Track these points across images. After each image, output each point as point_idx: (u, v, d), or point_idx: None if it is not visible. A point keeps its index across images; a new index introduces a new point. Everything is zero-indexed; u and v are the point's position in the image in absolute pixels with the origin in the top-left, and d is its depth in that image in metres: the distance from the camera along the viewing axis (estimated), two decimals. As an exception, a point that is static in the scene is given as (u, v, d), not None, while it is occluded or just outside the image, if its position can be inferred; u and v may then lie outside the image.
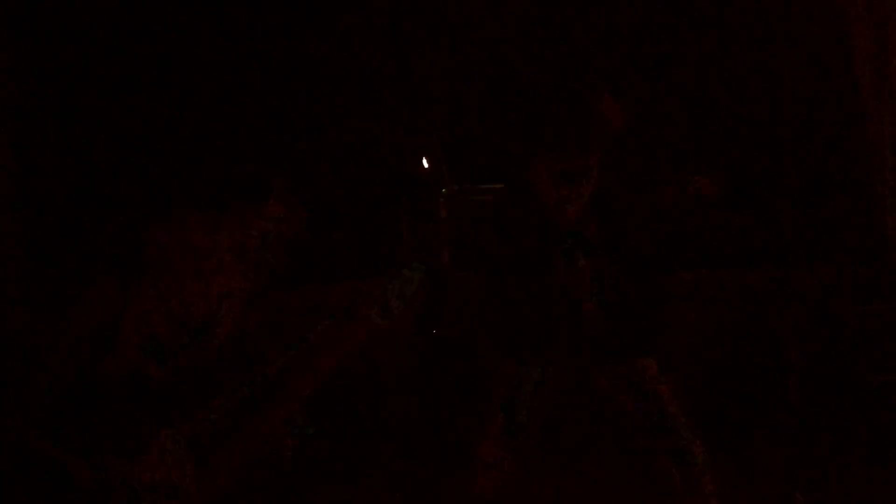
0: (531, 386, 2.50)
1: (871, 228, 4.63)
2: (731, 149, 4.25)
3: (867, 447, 3.57)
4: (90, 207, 3.97)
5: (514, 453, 2.41)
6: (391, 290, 1.92)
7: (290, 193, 1.73)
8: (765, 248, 3.48)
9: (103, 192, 4.04)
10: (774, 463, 2.91)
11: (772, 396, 2.97)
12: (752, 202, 3.65)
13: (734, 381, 3.96)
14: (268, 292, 2.13)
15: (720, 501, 2.50)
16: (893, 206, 4.70)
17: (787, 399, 2.89)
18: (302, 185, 4.22)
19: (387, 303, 1.91)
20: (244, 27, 4.24)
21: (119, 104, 4.17)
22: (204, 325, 1.79)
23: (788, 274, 2.95)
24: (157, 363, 1.81)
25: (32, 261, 3.88)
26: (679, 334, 3.25)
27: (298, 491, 3.44)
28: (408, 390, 4.24)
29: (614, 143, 3.61)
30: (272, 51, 4.28)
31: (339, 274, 4.37)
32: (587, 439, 3.29)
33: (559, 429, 2.76)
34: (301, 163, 4.34)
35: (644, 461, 2.79)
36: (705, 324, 3.63)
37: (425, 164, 4.00)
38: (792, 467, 2.91)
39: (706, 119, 4.39)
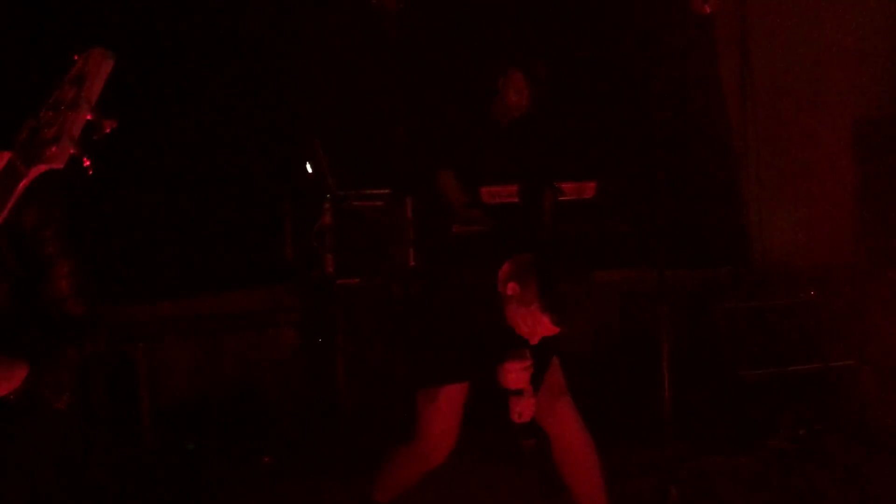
0: None
1: (736, 232, 4.90)
2: (609, 157, 4.41)
3: (736, 439, 3.76)
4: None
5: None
6: None
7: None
8: (639, 250, 3.63)
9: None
10: (649, 457, 3.01)
11: (646, 393, 3.08)
12: (627, 207, 3.80)
13: (610, 380, 4.11)
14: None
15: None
16: (756, 212, 5.00)
17: (661, 394, 3.01)
18: (181, 189, 4.14)
19: None
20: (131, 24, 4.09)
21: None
22: None
23: (662, 274, 3.08)
24: None
25: None
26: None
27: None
28: (292, 399, 4.18)
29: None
30: (153, 58, 4.14)
31: (222, 283, 4.28)
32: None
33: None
34: (181, 168, 4.22)
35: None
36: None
37: (309, 169, 3.96)
38: (666, 461, 3.02)
39: (585, 129, 4.54)
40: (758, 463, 3.53)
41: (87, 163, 1.50)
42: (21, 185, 1.48)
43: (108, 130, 1.55)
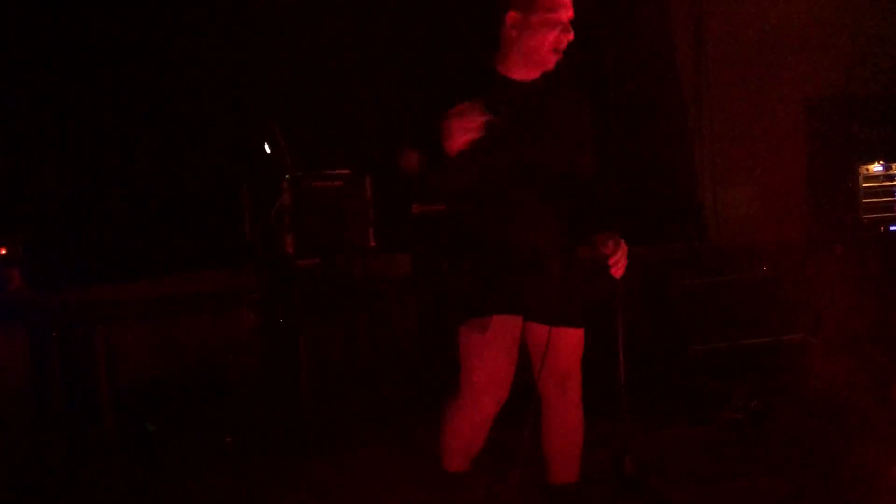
0: None
1: (691, 210, 4.98)
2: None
3: (691, 411, 3.85)
4: None
5: None
6: None
7: None
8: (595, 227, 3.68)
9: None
10: (605, 429, 3.08)
11: (602, 367, 3.14)
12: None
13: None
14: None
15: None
16: (711, 190, 5.08)
17: (617, 368, 3.07)
18: (139, 171, 4.10)
19: None
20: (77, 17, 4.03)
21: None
22: None
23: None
24: None
25: None
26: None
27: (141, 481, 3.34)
28: (253, 380, 4.19)
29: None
30: (107, 37, 4.08)
31: (180, 264, 4.25)
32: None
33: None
34: (139, 150, 4.18)
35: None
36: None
37: (267, 149, 3.94)
38: (622, 433, 3.09)
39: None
40: (712, 434, 3.62)
41: None
42: None
43: None
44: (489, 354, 2.50)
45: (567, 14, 2.41)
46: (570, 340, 2.60)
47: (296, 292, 3.91)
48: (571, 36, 2.42)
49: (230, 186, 4.07)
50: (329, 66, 4.42)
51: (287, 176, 3.83)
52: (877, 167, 4.78)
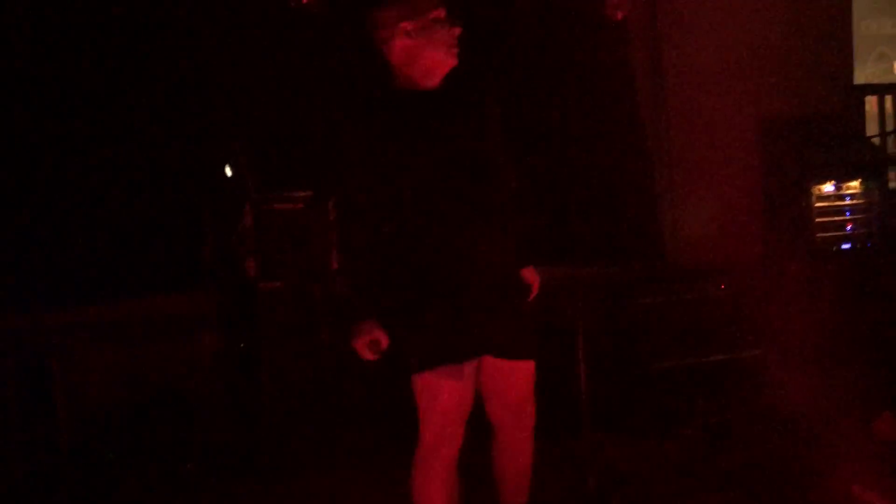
0: None
1: (649, 229, 5.05)
2: (529, 159, 4.49)
3: (652, 429, 3.89)
4: None
5: None
6: None
7: None
8: (555, 247, 3.72)
9: None
10: (567, 449, 3.10)
11: (564, 387, 3.17)
12: (543, 206, 3.89)
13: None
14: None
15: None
16: (669, 209, 5.17)
17: (578, 388, 3.09)
18: (98, 193, 4.05)
19: None
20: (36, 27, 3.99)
21: None
22: None
23: (578, 271, 3.17)
24: None
25: None
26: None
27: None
28: (215, 405, 4.14)
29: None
30: (63, 57, 4.05)
31: (141, 288, 4.20)
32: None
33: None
34: (97, 172, 4.14)
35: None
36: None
37: (228, 171, 3.92)
38: (584, 451, 3.11)
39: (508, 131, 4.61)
40: (673, 451, 3.66)
41: None
42: None
43: None
44: (445, 404, 2.41)
45: (442, 11, 2.41)
46: (528, 370, 2.55)
47: (258, 316, 3.89)
48: (459, 29, 2.42)
49: (192, 209, 4.05)
50: (290, 86, 4.42)
51: (249, 198, 3.82)
52: (828, 187, 4.91)
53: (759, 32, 5.24)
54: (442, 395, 2.40)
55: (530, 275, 2.60)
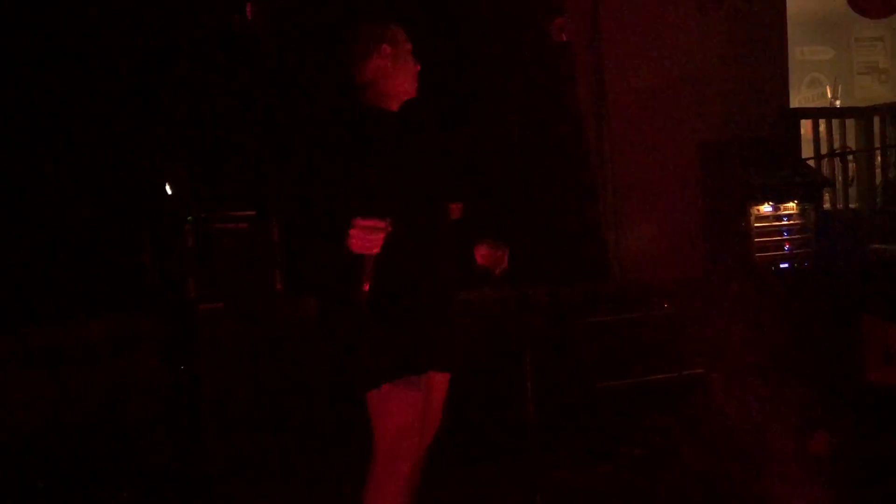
0: None
1: (594, 250, 5.11)
2: (471, 179, 4.50)
3: (598, 449, 3.90)
4: None
5: None
6: None
7: None
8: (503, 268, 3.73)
9: None
10: (514, 470, 3.08)
11: (510, 408, 3.16)
12: (489, 227, 3.89)
13: (475, 396, 4.18)
14: None
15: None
16: (613, 230, 5.24)
17: (525, 408, 3.08)
18: (34, 213, 3.93)
19: None
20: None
21: None
22: None
23: (525, 291, 3.18)
24: None
25: None
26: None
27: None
28: (153, 430, 4.02)
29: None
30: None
31: (78, 309, 4.08)
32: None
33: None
34: (31, 190, 4.01)
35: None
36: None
37: (169, 190, 3.85)
38: (530, 473, 3.10)
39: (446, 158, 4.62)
40: (619, 471, 3.68)
41: None
42: None
43: None
44: (404, 418, 2.42)
45: (410, 46, 2.60)
46: (447, 382, 2.63)
47: (198, 338, 3.80)
48: (419, 66, 2.61)
49: (131, 228, 3.96)
50: (233, 104, 4.37)
51: (190, 217, 3.75)
52: (767, 208, 5.03)
53: (699, 58, 5.38)
54: (401, 409, 2.42)
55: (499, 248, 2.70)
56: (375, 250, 2.29)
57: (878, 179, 6.37)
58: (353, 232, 2.26)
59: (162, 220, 3.82)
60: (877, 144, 6.27)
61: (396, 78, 2.53)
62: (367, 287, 2.32)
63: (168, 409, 4.03)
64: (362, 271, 2.31)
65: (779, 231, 5.06)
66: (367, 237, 2.27)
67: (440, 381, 2.58)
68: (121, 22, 4.21)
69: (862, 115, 6.41)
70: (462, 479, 3.54)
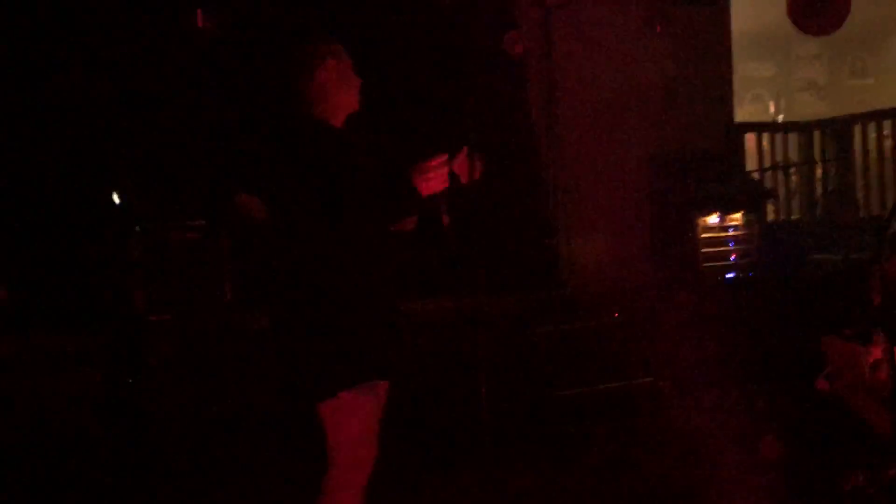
0: None
1: (547, 260, 5.16)
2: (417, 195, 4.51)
3: (552, 457, 3.91)
4: None
5: None
6: None
7: None
8: (454, 278, 3.74)
9: None
10: (468, 480, 3.08)
11: (464, 417, 3.16)
12: (442, 237, 3.90)
13: (429, 406, 4.17)
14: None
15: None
16: (565, 240, 5.30)
17: (479, 418, 3.09)
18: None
19: None
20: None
21: None
22: None
23: (479, 301, 3.18)
24: None
25: None
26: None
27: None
28: (99, 444, 3.93)
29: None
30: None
31: (23, 322, 3.97)
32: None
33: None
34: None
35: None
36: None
37: (116, 199, 3.78)
38: (484, 482, 3.10)
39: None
40: (573, 480, 3.69)
41: None
42: None
43: None
44: (359, 427, 2.42)
45: (350, 62, 2.64)
46: (387, 394, 2.59)
47: (145, 350, 3.73)
48: (360, 80, 2.64)
49: (76, 239, 3.87)
50: (184, 116, 4.32)
51: (137, 227, 3.69)
52: (713, 219, 5.13)
53: (648, 72, 5.48)
54: (358, 416, 2.41)
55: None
56: (445, 184, 2.37)
57: (818, 191, 6.58)
58: (419, 179, 2.34)
59: (109, 231, 3.74)
60: (817, 158, 6.49)
61: (339, 92, 2.57)
62: (446, 222, 2.38)
63: (114, 421, 3.95)
64: (441, 210, 2.35)
65: (724, 242, 5.17)
66: (434, 177, 2.35)
67: (384, 389, 2.55)
68: (65, 30, 4.14)
69: (803, 129, 6.61)
70: (415, 489, 3.53)
